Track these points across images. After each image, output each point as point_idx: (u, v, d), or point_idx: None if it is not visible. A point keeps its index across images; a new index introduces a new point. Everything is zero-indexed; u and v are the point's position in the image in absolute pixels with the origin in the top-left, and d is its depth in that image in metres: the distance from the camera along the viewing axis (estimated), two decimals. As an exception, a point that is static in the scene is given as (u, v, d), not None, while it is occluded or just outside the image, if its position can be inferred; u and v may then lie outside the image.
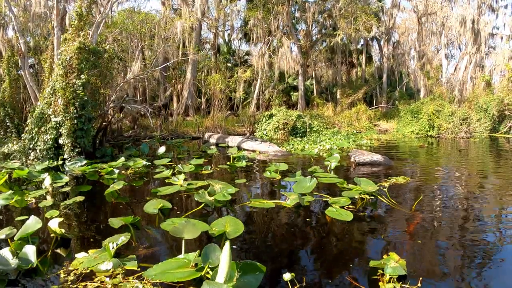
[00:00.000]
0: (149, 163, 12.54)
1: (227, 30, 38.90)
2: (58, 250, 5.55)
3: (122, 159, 12.14)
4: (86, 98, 13.02)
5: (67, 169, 11.97)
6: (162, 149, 14.60)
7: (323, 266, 5.07)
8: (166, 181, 9.92)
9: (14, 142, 14.11)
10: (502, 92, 28.06)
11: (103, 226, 6.54)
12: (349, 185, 9.26)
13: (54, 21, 15.56)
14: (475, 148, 18.84)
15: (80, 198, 8.02)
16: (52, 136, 12.97)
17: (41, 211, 7.41)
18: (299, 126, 23.55)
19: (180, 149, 16.95)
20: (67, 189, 9.41)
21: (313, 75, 38.25)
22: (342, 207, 7.40)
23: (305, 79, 35.12)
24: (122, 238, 5.16)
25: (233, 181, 10.14)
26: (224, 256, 3.77)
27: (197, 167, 11.93)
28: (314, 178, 8.71)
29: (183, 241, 5.02)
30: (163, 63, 27.39)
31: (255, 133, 24.12)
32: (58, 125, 12.97)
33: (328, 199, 8.06)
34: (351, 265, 5.02)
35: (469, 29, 31.61)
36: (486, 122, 26.40)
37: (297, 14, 35.51)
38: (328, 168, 11.80)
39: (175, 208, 7.64)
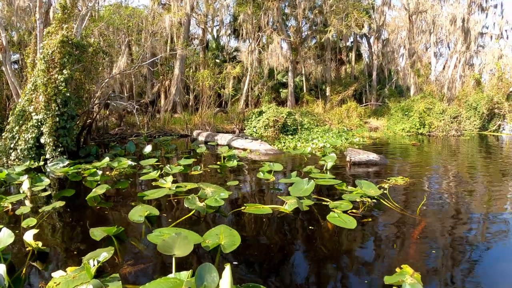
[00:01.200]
0: (135, 163, 11.93)
1: (216, 25, 38.42)
2: (35, 264, 5.02)
3: (107, 159, 11.49)
4: (68, 94, 12.40)
5: (48, 170, 11.29)
6: (148, 148, 13.97)
7: (335, 284, 4.55)
8: (153, 183, 9.32)
9: (-5, 142, 13.39)
10: (491, 90, 27.95)
11: (84, 237, 5.92)
12: (349, 187, 8.80)
13: (37, 14, 14.86)
14: (468, 146, 18.49)
15: (60, 204, 7.41)
16: (34, 135, 12.33)
17: (17, 219, 6.79)
18: (289, 124, 23.09)
19: (168, 148, 16.33)
20: (47, 193, 8.77)
21: (303, 72, 37.73)
22: (345, 212, 6.94)
23: (294, 76, 34.65)
24: (104, 255, 4.59)
25: (225, 183, 9.57)
26: (224, 283, 3.23)
27: (186, 167, 11.36)
28: (312, 180, 8.32)
29: (173, 258, 4.47)
30: (151, 58, 26.75)
31: (244, 131, 23.62)
32: (39, 123, 12.35)
33: (328, 203, 7.57)
34: (365, 282, 4.54)
35: (459, 27, 31.47)
36: (475, 120, 26.24)
37: (287, 10, 34.99)
38: (324, 168, 11.30)
39: (164, 215, 7.05)
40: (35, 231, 5.37)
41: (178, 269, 4.31)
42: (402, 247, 5.62)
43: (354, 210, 7.17)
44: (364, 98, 36.82)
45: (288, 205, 7.16)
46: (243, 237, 5.62)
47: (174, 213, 7.27)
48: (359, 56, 41.99)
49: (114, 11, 25.74)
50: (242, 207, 7.26)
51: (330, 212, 6.85)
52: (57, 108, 12.17)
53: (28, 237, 5.22)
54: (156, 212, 6.70)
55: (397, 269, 4.62)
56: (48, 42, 12.71)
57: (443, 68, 42.84)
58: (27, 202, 8.15)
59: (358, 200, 7.82)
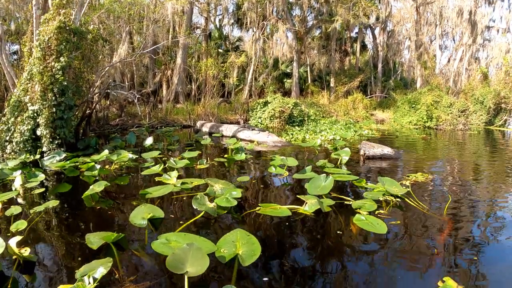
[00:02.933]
0: (136, 156, 11.19)
1: (219, 15, 37.57)
2: (22, 276, 4.34)
3: (106, 151, 10.73)
4: (66, 83, 11.65)
5: (44, 164, 10.57)
6: (149, 140, 13.25)
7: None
8: (156, 178, 8.62)
9: (-9, 134, 12.67)
10: (498, 85, 27.23)
11: (79, 243, 5.20)
12: (369, 184, 8.09)
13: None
14: (478, 141, 17.75)
15: (53, 204, 6.70)
16: (29, 127, 11.61)
17: (8, 221, 6.08)
18: (295, 115, 22.38)
19: (171, 139, 15.60)
20: (42, 189, 8.05)
21: (307, 62, 36.94)
22: (370, 213, 6.23)
23: (299, 66, 33.84)
24: (101, 271, 3.87)
25: (234, 178, 8.84)
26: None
27: (191, 161, 10.58)
28: (330, 176, 7.58)
29: (186, 278, 3.76)
30: (152, 47, 25.99)
31: (249, 121, 22.90)
32: (35, 114, 11.61)
33: (350, 202, 6.85)
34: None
35: (465, 20, 30.73)
36: (482, 115, 25.53)
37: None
38: (339, 163, 10.56)
39: (171, 216, 6.31)
40: (19, 237, 4.73)
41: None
42: (439, 255, 4.95)
43: (381, 211, 6.48)
44: (369, 90, 36.03)
45: (309, 206, 6.41)
46: (262, 244, 4.87)
47: (181, 214, 6.51)
48: (363, 47, 41.13)
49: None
50: (257, 208, 6.51)
51: (354, 214, 6.19)
52: (54, 98, 11.45)
53: (13, 243, 4.54)
54: (160, 213, 5.91)
55: (440, 283, 4.05)
56: (45, 29, 11.96)
57: (448, 61, 42.32)
58: (20, 200, 7.46)
59: (381, 198, 7.14)
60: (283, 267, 4.63)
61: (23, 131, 11.58)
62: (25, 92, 11.92)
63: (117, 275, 4.25)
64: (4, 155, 11.62)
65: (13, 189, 7.97)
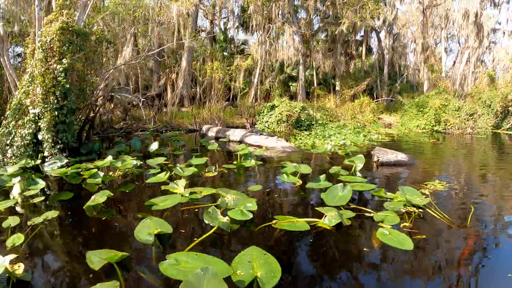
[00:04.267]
0: (141, 162, 10.72)
1: (224, 18, 37.23)
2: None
3: (109, 158, 10.28)
4: (68, 86, 11.21)
5: (45, 169, 10.13)
6: (155, 146, 12.80)
7: None
8: (163, 187, 8.10)
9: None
10: (506, 87, 26.64)
11: (80, 262, 4.72)
12: (388, 193, 7.60)
13: (35, 0, 13.67)
14: (489, 145, 17.20)
15: (53, 214, 6.26)
16: (31, 131, 11.20)
17: (5, 234, 5.63)
18: (303, 119, 21.89)
19: (176, 144, 15.12)
20: (42, 198, 7.58)
21: (313, 65, 36.48)
22: (394, 227, 5.73)
23: (305, 69, 33.38)
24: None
25: (246, 188, 8.36)
26: None
27: (199, 167, 10.12)
28: (348, 186, 7.12)
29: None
30: (157, 49, 25.61)
31: (255, 125, 22.42)
32: (36, 118, 11.21)
33: (371, 214, 6.36)
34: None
35: (471, 22, 30.33)
36: (489, 118, 24.97)
37: (297, 2, 33.71)
38: (353, 170, 10.06)
39: (177, 231, 5.80)
40: (13, 256, 4.28)
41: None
42: (473, 273, 4.53)
43: (405, 224, 5.99)
44: (375, 93, 35.53)
45: (329, 219, 5.90)
46: (282, 264, 4.39)
47: (190, 228, 6.03)
48: (369, 50, 40.71)
49: (119, 2, 24.54)
50: (273, 221, 6.00)
51: (376, 227, 5.73)
52: (56, 101, 11.04)
53: (5, 262, 4.09)
54: (168, 228, 5.43)
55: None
56: (47, 30, 11.54)
57: (453, 64, 41.94)
58: (18, 209, 7.01)
59: (402, 209, 6.65)
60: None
61: (24, 135, 11.18)
62: (26, 95, 11.51)
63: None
64: (5, 159, 11.23)
65: (11, 197, 7.54)
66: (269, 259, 4.40)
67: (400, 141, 18.10)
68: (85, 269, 4.41)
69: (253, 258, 4.40)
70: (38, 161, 10.75)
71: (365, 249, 5.20)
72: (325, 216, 6.01)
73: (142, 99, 17.39)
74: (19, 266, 4.35)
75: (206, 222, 5.68)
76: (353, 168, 10.14)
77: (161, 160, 10.90)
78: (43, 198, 7.61)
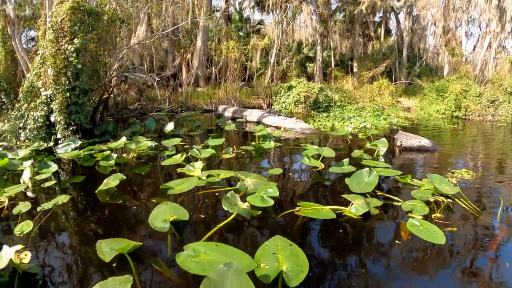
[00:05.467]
0: (156, 144, 10.36)
1: (239, -3, 36.55)
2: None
3: (123, 139, 9.93)
4: (80, 66, 10.88)
5: (58, 152, 9.83)
6: (170, 126, 12.44)
7: None
8: (178, 170, 7.77)
9: (6, 121, 11.98)
10: (528, 75, 25.73)
11: (91, 251, 4.39)
12: (414, 180, 7.18)
13: (46, -21, 13.35)
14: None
15: (64, 199, 5.94)
16: (43, 113, 10.94)
17: (15, 220, 5.34)
18: (321, 100, 21.34)
19: (192, 125, 14.74)
20: (53, 182, 7.27)
21: (331, 46, 35.74)
22: (425, 217, 5.36)
23: (323, 50, 32.70)
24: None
25: (265, 171, 7.98)
26: None
27: (215, 149, 9.68)
28: (374, 172, 6.71)
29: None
30: (172, 31, 25.22)
31: (272, 106, 21.96)
32: (48, 100, 10.92)
33: (399, 203, 5.94)
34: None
35: (494, 6, 29.20)
36: (511, 106, 24.13)
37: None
38: (376, 154, 9.60)
39: (194, 218, 5.43)
40: (20, 246, 4.01)
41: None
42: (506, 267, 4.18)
43: (437, 215, 5.58)
44: (393, 76, 34.74)
45: (355, 208, 5.48)
46: (309, 256, 4.04)
47: (208, 214, 5.64)
48: (387, 32, 39.78)
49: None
50: (297, 208, 5.59)
51: (406, 217, 5.39)
52: (67, 82, 10.75)
53: (10, 254, 3.79)
54: (184, 215, 5.09)
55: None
56: (58, 10, 11.20)
57: (473, 49, 40.88)
58: (29, 194, 6.70)
59: (431, 199, 6.22)
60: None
61: (36, 117, 10.94)
62: (38, 77, 11.26)
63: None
64: (18, 143, 11.00)
65: (22, 182, 7.24)
66: (295, 251, 4.06)
67: (420, 125, 17.52)
68: (96, 260, 4.10)
69: (277, 250, 4.06)
70: (51, 144, 10.49)
71: (396, 241, 4.81)
72: (352, 204, 5.61)
73: (157, 79, 17.02)
74: (25, 255, 4.07)
75: (226, 208, 5.30)
76: (376, 152, 9.70)
77: (176, 141, 10.56)
78: (54, 182, 7.32)
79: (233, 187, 6.41)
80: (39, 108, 10.95)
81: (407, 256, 4.46)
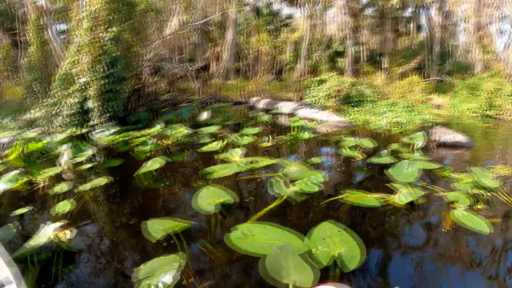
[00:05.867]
0: (192, 131, 10.22)
1: (268, -9, 36.35)
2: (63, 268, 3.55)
3: (159, 126, 9.89)
4: (115, 54, 10.83)
5: (93, 138, 9.80)
6: (205, 115, 12.41)
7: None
8: (216, 156, 7.61)
9: (38, 108, 12.06)
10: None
11: (132, 231, 4.25)
12: (453, 174, 6.85)
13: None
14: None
15: (102, 182, 5.85)
16: (78, 100, 10.94)
17: (50, 201, 5.24)
18: (352, 95, 20.99)
19: (225, 115, 14.57)
20: (88, 165, 7.20)
21: (361, 41, 35.30)
22: (468, 208, 5.13)
23: (353, 44, 32.30)
24: (168, 278, 2.88)
25: (305, 160, 7.74)
26: None
27: (252, 138, 9.52)
28: (415, 163, 6.61)
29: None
30: (202, 24, 25.23)
31: (302, 100, 21.72)
32: (83, 87, 10.93)
33: (442, 194, 5.71)
34: None
35: (528, 2, 28.37)
36: (544, 107, 23.39)
37: (345, -26, 32.55)
38: (413, 148, 9.31)
39: (238, 202, 5.19)
40: (61, 223, 3.92)
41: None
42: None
43: (478, 207, 5.32)
44: (424, 73, 34.15)
45: (401, 196, 5.30)
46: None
47: (252, 199, 5.46)
48: (418, 28, 39.17)
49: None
50: (344, 195, 5.39)
51: (448, 208, 5.19)
52: (103, 69, 10.75)
53: (50, 231, 3.72)
54: (229, 198, 4.93)
55: None
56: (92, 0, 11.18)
57: (505, 47, 39.85)
58: (66, 176, 6.63)
59: (470, 191, 5.92)
60: (391, 275, 3.58)
61: (71, 104, 10.96)
62: (73, 65, 11.29)
63: (183, 281, 3.25)
64: (51, 129, 11.00)
65: (60, 164, 7.18)
66: (346, 237, 3.93)
67: (451, 123, 17.11)
68: (140, 240, 3.95)
69: (328, 233, 3.94)
70: (86, 130, 10.50)
71: (442, 229, 4.63)
72: (397, 193, 5.43)
73: (191, 69, 17.00)
74: (65, 234, 3.93)
75: (271, 192, 5.12)
76: (413, 146, 9.43)
77: (213, 129, 10.46)
78: (91, 165, 7.25)
79: (275, 173, 6.22)
80: (74, 95, 10.97)
81: (454, 244, 4.31)
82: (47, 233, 3.65)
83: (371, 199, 5.34)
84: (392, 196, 5.43)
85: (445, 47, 36.08)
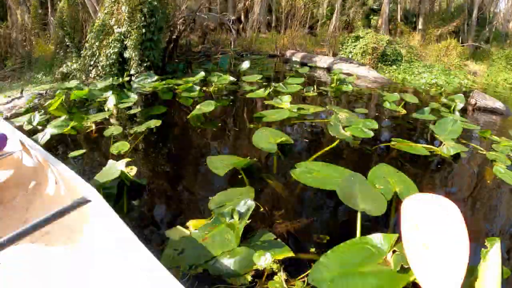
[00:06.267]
0: (236, 79, 10.21)
1: None
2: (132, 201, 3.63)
3: (202, 73, 9.85)
4: (155, 3, 10.73)
5: (134, 86, 9.84)
6: (246, 64, 12.31)
7: None
8: (266, 102, 7.66)
9: (73, 61, 12.12)
10: None
11: (197, 168, 4.28)
12: (493, 136, 6.88)
13: None
14: None
15: (155, 123, 5.84)
16: (116, 50, 10.89)
17: (105, 142, 5.27)
18: (388, 53, 20.56)
19: (264, 66, 14.47)
20: (136, 110, 7.23)
21: (396, 0, 34.34)
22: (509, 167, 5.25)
23: (389, 2, 31.46)
24: (247, 205, 2.91)
25: (351, 109, 7.69)
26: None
27: (296, 86, 9.54)
28: (459, 121, 6.76)
29: (358, 214, 2.82)
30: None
31: (337, 55, 21.41)
32: (122, 37, 10.87)
33: (483, 152, 5.84)
34: None
35: None
36: None
37: None
38: (452, 109, 9.21)
39: (296, 143, 5.36)
40: (127, 159, 3.89)
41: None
42: None
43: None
44: (460, 38, 33.09)
45: (447, 148, 5.47)
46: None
47: (307, 141, 5.52)
48: (456, -11, 37.80)
49: None
50: (391, 142, 5.57)
51: (490, 164, 5.37)
52: (142, 18, 10.66)
53: (123, 166, 3.71)
54: (288, 139, 4.94)
55: None
56: None
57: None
58: (113, 120, 6.64)
59: (510, 154, 5.98)
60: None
61: (109, 54, 10.93)
62: (111, 15, 11.19)
63: (261, 208, 3.29)
64: (88, 80, 11.06)
65: (106, 109, 7.22)
66: (402, 177, 4.08)
67: (488, 91, 16.72)
68: (205, 174, 3.97)
69: (386, 174, 4.05)
70: (126, 79, 10.52)
71: (486, 182, 4.82)
72: (443, 145, 5.61)
73: (232, 18, 16.90)
74: (131, 169, 3.95)
75: (331, 134, 5.15)
76: (452, 107, 9.30)
77: (256, 77, 10.47)
78: (139, 110, 7.28)
79: (326, 120, 6.21)
80: (112, 45, 10.91)
81: (495, 196, 4.57)
82: (118, 167, 3.68)
83: (419, 148, 5.51)
84: (439, 147, 5.58)
85: (484, 12, 34.81)
